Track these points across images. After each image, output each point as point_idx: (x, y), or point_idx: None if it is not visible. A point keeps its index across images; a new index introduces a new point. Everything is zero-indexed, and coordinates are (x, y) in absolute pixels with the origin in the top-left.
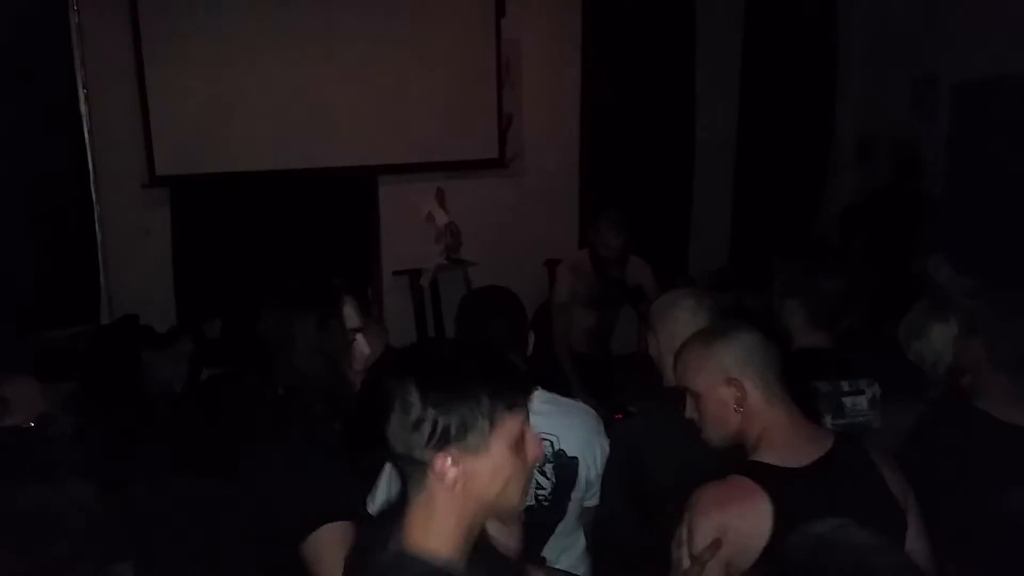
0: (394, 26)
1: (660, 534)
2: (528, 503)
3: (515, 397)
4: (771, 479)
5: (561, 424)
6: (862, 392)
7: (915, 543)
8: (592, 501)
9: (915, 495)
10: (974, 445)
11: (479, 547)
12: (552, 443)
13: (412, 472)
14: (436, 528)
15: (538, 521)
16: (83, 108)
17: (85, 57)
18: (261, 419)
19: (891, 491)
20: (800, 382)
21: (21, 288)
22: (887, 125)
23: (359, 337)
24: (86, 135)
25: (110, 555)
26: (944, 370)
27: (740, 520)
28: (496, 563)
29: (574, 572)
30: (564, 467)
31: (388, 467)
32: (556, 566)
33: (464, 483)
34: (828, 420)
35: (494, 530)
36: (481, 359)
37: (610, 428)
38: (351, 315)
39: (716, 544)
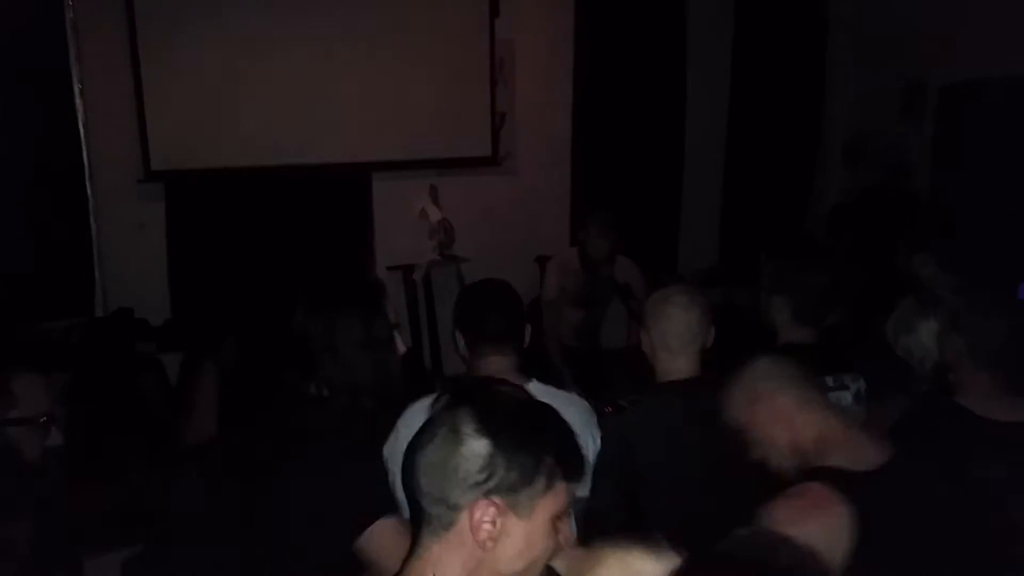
0: (389, 25)
1: (651, 527)
2: None
3: (575, 468)
4: (844, 483)
5: None
6: (846, 387)
7: None
8: (583, 492)
9: None
10: (953, 440)
11: None
12: None
13: (433, 513)
14: None
15: None
16: (78, 102)
17: (80, 52)
18: (299, 419)
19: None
20: None
21: (15, 280)
22: (875, 126)
23: (395, 333)
24: (81, 129)
25: (99, 545)
26: (932, 365)
27: (821, 531)
28: None
29: None
30: None
31: (384, 454)
32: None
33: (494, 545)
34: None
35: None
36: (550, 414)
37: (601, 421)
38: (389, 311)
39: None
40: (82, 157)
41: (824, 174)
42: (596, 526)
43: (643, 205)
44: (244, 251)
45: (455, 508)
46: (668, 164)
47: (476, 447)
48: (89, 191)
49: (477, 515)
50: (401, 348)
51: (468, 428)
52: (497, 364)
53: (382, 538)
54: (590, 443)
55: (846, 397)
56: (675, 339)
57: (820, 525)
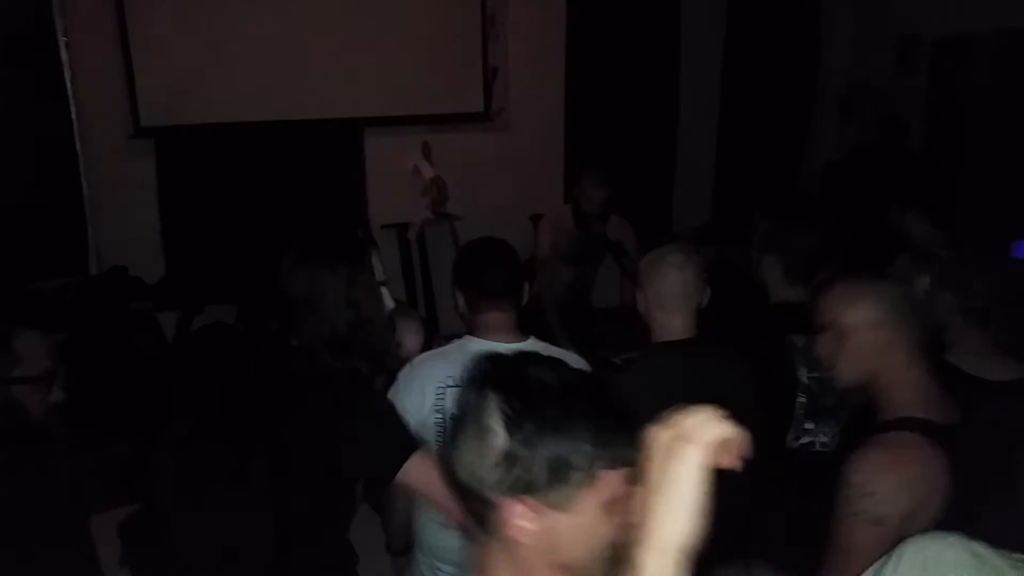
0: None
1: None
2: None
3: (622, 452)
4: (935, 433)
5: None
6: None
7: None
8: None
9: None
10: None
11: None
12: None
13: (475, 508)
14: None
15: None
16: (64, 57)
17: (66, 6)
18: (282, 370)
19: None
20: (776, 336)
21: (7, 240)
22: (869, 81)
23: (384, 290)
24: (68, 86)
25: (96, 504)
26: (928, 321)
27: (923, 473)
28: None
29: None
30: None
31: (405, 369)
32: None
33: (538, 539)
34: (804, 373)
35: None
36: (589, 394)
37: None
38: (377, 267)
39: None
40: (70, 113)
41: (819, 131)
42: None
43: (637, 162)
44: (237, 208)
45: (490, 505)
46: (662, 120)
47: (497, 443)
48: (78, 147)
49: (506, 515)
50: (389, 304)
51: (491, 421)
52: (496, 321)
53: (422, 470)
54: None
55: None
56: (670, 298)
57: (921, 468)
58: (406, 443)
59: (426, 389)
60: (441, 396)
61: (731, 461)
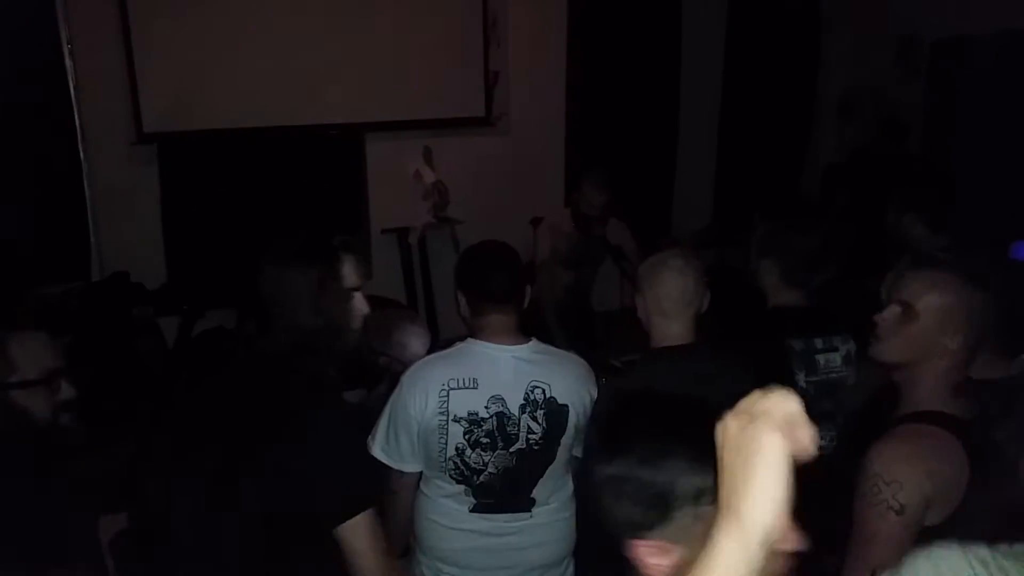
0: None
1: None
2: (520, 447)
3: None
4: (955, 427)
5: (553, 372)
6: (836, 349)
7: None
8: (576, 452)
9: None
10: None
11: None
12: (544, 390)
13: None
14: None
15: (529, 464)
16: (68, 63)
17: (69, 9)
18: (274, 384)
19: None
20: (774, 340)
21: (10, 246)
22: (870, 82)
23: (357, 296)
24: (72, 92)
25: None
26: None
27: (944, 464)
28: None
29: (562, 513)
30: (554, 414)
31: (388, 408)
32: (546, 507)
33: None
34: (802, 377)
35: None
36: (688, 429)
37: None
38: (349, 274)
39: None
40: (74, 119)
41: (819, 132)
42: (588, 486)
43: (637, 165)
44: (238, 213)
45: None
46: (662, 124)
47: (604, 489)
48: (81, 154)
49: (632, 556)
50: (364, 310)
51: (601, 464)
52: (498, 323)
53: (367, 531)
54: (587, 400)
55: (836, 359)
56: (670, 303)
57: (939, 461)
58: (370, 493)
59: (429, 391)
60: (444, 398)
61: (805, 445)
